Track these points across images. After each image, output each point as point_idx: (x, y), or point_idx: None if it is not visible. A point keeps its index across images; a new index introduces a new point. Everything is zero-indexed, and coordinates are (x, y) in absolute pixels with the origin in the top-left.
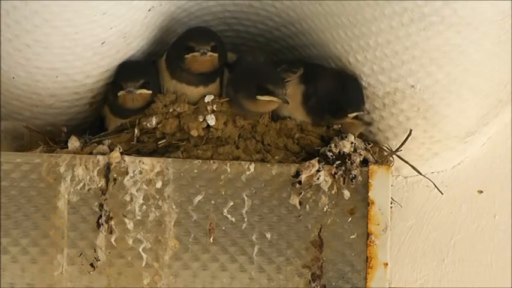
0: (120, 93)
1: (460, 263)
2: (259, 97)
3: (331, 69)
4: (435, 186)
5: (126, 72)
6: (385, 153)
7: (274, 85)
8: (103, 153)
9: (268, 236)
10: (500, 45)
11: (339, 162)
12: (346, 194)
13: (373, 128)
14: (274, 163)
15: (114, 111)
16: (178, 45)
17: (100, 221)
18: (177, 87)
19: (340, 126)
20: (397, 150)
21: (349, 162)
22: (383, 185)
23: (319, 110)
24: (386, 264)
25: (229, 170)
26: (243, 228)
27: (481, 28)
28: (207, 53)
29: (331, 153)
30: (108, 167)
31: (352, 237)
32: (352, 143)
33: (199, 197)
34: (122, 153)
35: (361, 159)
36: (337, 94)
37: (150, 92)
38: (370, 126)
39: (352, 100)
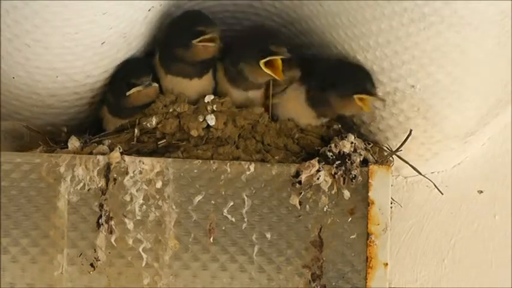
0: (136, 89)
1: (460, 263)
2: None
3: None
4: (435, 186)
5: (136, 68)
6: (385, 153)
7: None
8: (103, 153)
9: (268, 236)
10: (500, 45)
11: (339, 162)
12: (346, 194)
13: (373, 128)
14: (274, 163)
15: (114, 112)
16: (180, 33)
17: (100, 221)
18: (173, 82)
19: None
20: (397, 150)
21: (349, 162)
22: (383, 185)
23: (321, 90)
24: (387, 264)
25: (229, 170)
26: (243, 228)
27: (481, 28)
28: (217, 38)
29: (331, 153)
30: (108, 167)
31: (352, 237)
32: (352, 143)
33: (199, 197)
34: (122, 153)
35: (361, 159)
36: (342, 71)
37: (157, 86)
38: (384, 101)
39: (360, 78)
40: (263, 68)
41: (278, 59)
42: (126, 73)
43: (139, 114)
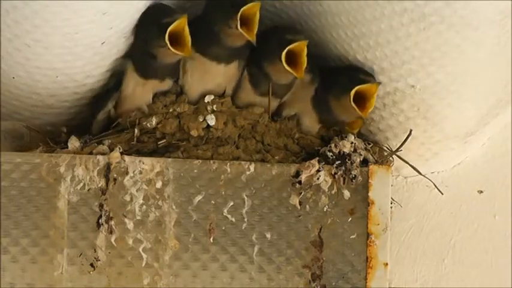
0: (174, 24)
1: (460, 263)
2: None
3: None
4: (435, 186)
5: (167, 9)
6: (385, 153)
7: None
8: (103, 153)
9: (268, 236)
10: (500, 45)
11: (339, 162)
12: (346, 194)
13: (373, 128)
14: (274, 163)
15: (145, 71)
16: (224, 10)
17: (100, 221)
18: (199, 62)
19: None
20: (397, 150)
21: (349, 162)
22: (383, 185)
23: (323, 94)
24: (387, 264)
25: (229, 170)
26: (243, 228)
27: (481, 28)
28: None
29: (331, 153)
30: (108, 167)
31: (352, 237)
32: (352, 143)
33: (199, 197)
34: (122, 153)
35: (361, 159)
36: (342, 74)
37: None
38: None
39: (354, 74)
40: (284, 63)
41: (301, 52)
42: (156, 16)
43: (172, 75)
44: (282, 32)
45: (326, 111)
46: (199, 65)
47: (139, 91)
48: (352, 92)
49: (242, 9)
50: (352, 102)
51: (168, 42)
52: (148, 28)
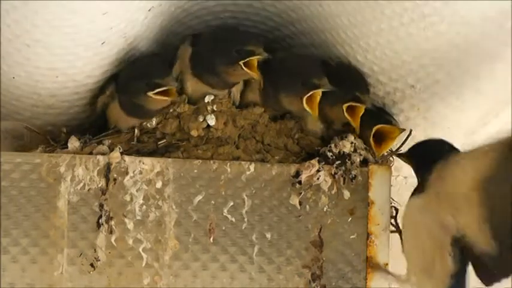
0: (158, 91)
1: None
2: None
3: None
4: None
5: (158, 67)
6: (385, 153)
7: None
8: (103, 153)
9: (268, 236)
10: (500, 45)
11: (339, 162)
12: (346, 194)
13: None
14: (274, 163)
15: (130, 111)
16: (225, 47)
17: (100, 221)
18: (197, 87)
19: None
20: (397, 150)
21: (349, 162)
22: (383, 185)
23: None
24: (387, 264)
25: (229, 170)
26: (243, 228)
27: (481, 28)
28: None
29: (331, 153)
30: (108, 167)
31: (352, 237)
32: (352, 143)
33: (199, 197)
34: (122, 153)
35: (361, 159)
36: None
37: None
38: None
39: (350, 85)
40: (304, 104)
41: (317, 97)
42: (145, 71)
43: (159, 115)
44: (308, 74)
45: (324, 113)
46: (198, 87)
47: (123, 121)
48: (374, 129)
49: (249, 58)
50: (346, 113)
51: (153, 96)
52: (137, 82)
